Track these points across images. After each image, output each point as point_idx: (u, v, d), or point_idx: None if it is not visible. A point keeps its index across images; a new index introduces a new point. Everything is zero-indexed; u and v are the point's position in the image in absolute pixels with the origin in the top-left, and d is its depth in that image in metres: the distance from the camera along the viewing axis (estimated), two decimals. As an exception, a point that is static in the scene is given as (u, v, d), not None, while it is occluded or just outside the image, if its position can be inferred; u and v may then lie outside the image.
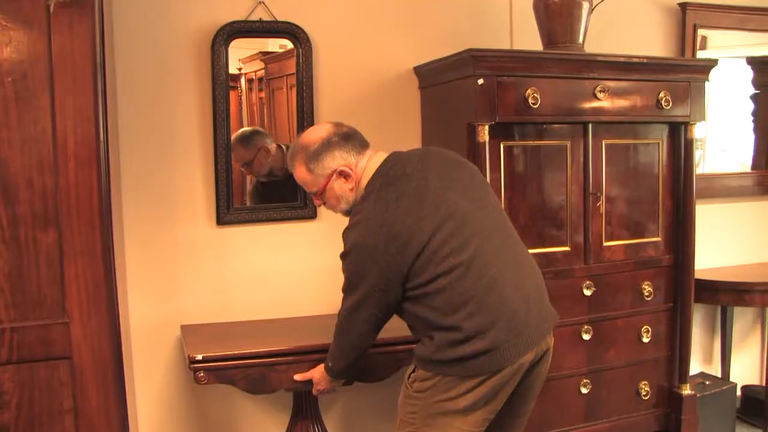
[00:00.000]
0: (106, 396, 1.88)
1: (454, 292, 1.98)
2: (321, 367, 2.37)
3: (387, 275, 2.03)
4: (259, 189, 3.05)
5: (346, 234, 2.12)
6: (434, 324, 2.02)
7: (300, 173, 2.22)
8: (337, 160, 2.16)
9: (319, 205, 2.34)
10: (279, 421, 2.92)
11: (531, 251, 2.89)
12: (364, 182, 2.16)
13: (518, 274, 2.09)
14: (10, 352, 1.80)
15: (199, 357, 2.37)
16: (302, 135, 2.27)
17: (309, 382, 2.45)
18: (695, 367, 3.77)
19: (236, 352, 2.44)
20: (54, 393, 1.85)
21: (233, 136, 2.90)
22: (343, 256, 2.11)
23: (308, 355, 2.47)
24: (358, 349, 2.23)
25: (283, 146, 2.97)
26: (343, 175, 2.17)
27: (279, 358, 2.47)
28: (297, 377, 2.46)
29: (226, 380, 2.43)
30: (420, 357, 2.07)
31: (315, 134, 2.21)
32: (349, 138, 2.19)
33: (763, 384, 3.92)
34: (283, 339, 2.60)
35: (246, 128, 2.95)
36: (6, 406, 1.81)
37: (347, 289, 2.14)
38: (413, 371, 2.11)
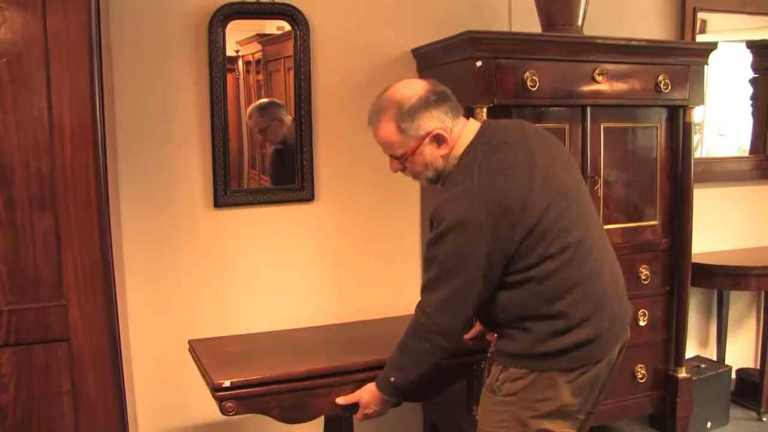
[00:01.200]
0: (104, 378, 1.88)
1: (562, 276, 1.81)
2: (371, 386, 2.05)
3: (492, 258, 1.79)
4: (275, 157, 3.06)
5: (442, 209, 1.83)
6: (534, 313, 1.82)
7: (387, 133, 1.93)
8: (434, 121, 1.90)
9: (396, 171, 2.03)
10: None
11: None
12: (459, 150, 1.91)
13: (611, 261, 1.97)
14: (8, 335, 1.80)
15: (227, 384, 1.99)
16: (390, 89, 1.98)
17: (354, 406, 2.11)
18: (691, 351, 3.79)
19: (270, 375, 2.06)
20: (52, 375, 1.85)
21: (251, 106, 2.95)
22: (438, 236, 1.81)
23: (352, 375, 2.12)
24: (439, 356, 1.91)
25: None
26: (438, 139, 1.91)
27: (319, 380, 2.11)
28: (340, 401, 2.10)
29: (258, 409, 2.07)
30: (512, 353, 1.87)
31: (410, 89, 1.94)
32: (447, 99, 1.94)
33: (758, 367, 3.95)
34: (319, 356, 2.32)
35: (264, 99, 2.99)
36: (5, 388, 1.82)
37: (440, 278, 1.83)
38: (500, 372, 1.91)
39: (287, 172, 3.02)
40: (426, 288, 1.88)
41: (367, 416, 2.09)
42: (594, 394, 1.94)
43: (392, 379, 1.96)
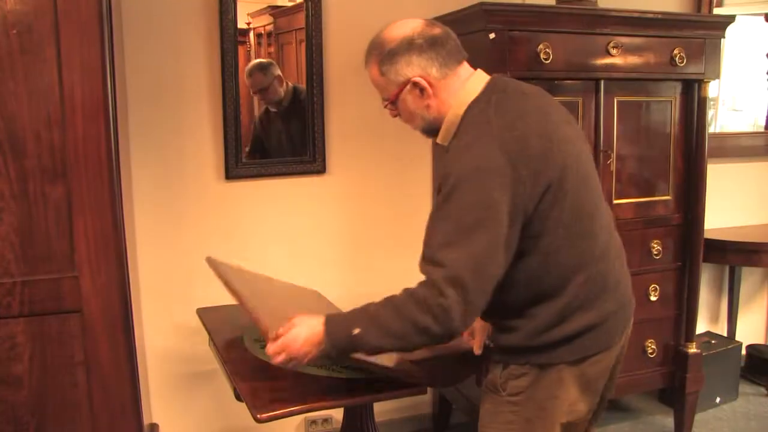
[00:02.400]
0: (117, 348, 1.90)
1: (573, 250, 1.66)
2: (313, 324, 1.67)
3: (513, 216, 1.55)
4: (264, 118, 3.01)
5: (451, 162, 1.62)
6: (538, 292, 1.66)
7: (372, 74, 1.79)
8: (414, 68, 1.71)
9: (395, 116, 1.85)
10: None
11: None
12: (467, 99, 1.71)
13: (617, 247, 1.83)
14: (22, 306, 1.81)
15: (265, 416, 1.81)
16: (385, 28, 1.80)
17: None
18: (701, 326, 3.79)
19: (305, 405, 1.87)
20: (65, 346, 1.86)
21: (250, 64, 2.92)
22: (450, 191, 1.57)
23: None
24: (432, 339, 1.58)
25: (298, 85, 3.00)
26: (418, 87, 1.73)
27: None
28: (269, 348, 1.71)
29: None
30: (512, 347, 1.73)
31: (397, 31, 1.75)
32: (437, 44, 1.72)
33: (768, 343, 3.95)
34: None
35: (262, 59, 2.95)
36: (19, 359, 1.83)
37: (455, 240, 1.54)
38: (501, 370, 1.76)
39: (279, 137, 3.01)
40: (436, 251, 1.57)
41: (284, 361, 1.69)
42: (601, 385, 1.83)
43: (356, 331, 1.61)
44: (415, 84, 1.72)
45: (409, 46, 1.71)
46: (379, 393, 1.91)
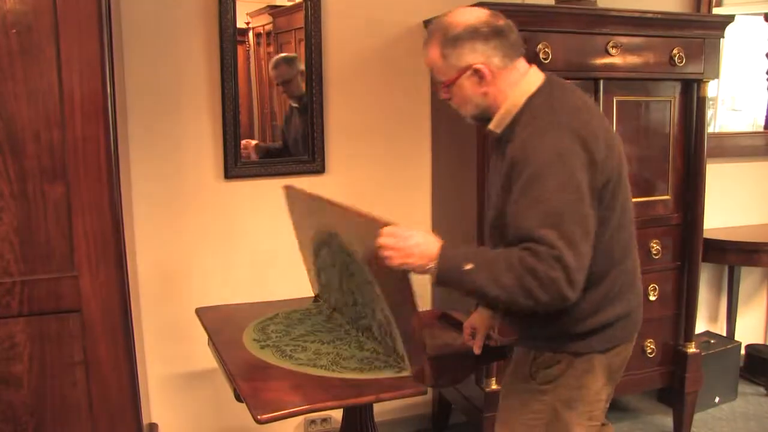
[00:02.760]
0: (116, 348, 1.90)
1: (617, 238, 1.74)
2: (432, 239, 1.68)
3: (591, 194, 1.63)
4: (290, 114, 3.05)
5: (529, 146, 1.64)
6: (587, 282, 1.64)
7: (433, 56, 1.79)
8: (477, 55, 1.73)
9: (447, 99, 1.85)
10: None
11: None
12: (529, 90, 1.76)
13: (636, 247, 1.89)
14: (21, 305, 1.81)
15: (265, 417, 1.79)
16: (449, 13, 1.81)
17: None
18: (701, 326, 3.79)
19: (305, 406, 1.86)
20: (65, 345, 1.87)
21: (276, 57, 2.97)
22: (536, 174, 1.60)
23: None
24: (534, 303, 1.58)
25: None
26: (479, 75, 1.75)
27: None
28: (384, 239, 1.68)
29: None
30: (549, 336, 1.76)
31: (462, 16, 1.77)
32: (501, 35, 1.75)
33: (767, 343, 3.95)
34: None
35: (286, 53, 2.99)
36: (19, 358, 1.84)
37: (555, 214, 1.58)
38: (533, 358, 1.81)
39: (296, 133, 3.03)
40: (533, 230, 1.58)
41: (390, 253, 1.67)
42: (617, 382, 1.89)
43: (468, 266, 1.61)
44: (476, 71, 1.75)
45: (474, 33, 1.74)
46: (379, 393, 1.90)
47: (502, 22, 1.78)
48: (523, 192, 1.62)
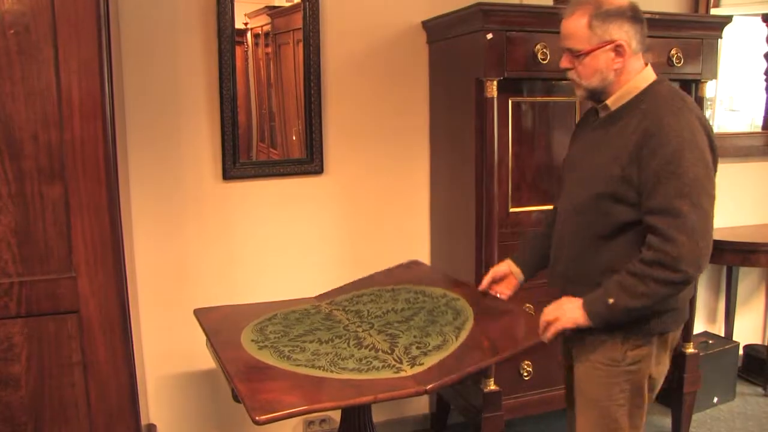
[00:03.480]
0: (114, 349, 1.90)
1: None
2: (570, 304, 1.92)
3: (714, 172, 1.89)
4: None
5: (670, 119, 1.81)
6: None
7: (576, 25, 1.92)
8: (622, 33, 1.89)
9: (569, 68, 1.98)
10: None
11: (537, 208, 2.88)
12: (651, 76, 1.95)
13: None
14: (19, 306, 1.81)
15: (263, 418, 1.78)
16: None
17: None
18: (699, 327, 3.79)
19: (304, 407, 1.84)
20: (62, 346, 1.87)
21: None
22: (677, 150, 1.77)
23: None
24: (678, 289, 1.82)
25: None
26: (618, 51, 1.90)
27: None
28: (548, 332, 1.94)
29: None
30: (638, 318, 1.88)
31: None
32: (642, 24, 1.94)
33: (765, 343, 3.95)
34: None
35: None
36: (17, 359, 1.84)
37: (692, 186, 1.78)
38: (623, 342, 1.92)
39: None
40: (671, 201, 1.77)
41: (556, 332, 1.92)
42: None
43: (611, 300, 1.82)
44: (618, 47, 1.90)
45: (623, 14, 1.90)
46: (377, 393, 1.90)
47: (642, 15, 1.95)
48: (663, 164, 1.78)
